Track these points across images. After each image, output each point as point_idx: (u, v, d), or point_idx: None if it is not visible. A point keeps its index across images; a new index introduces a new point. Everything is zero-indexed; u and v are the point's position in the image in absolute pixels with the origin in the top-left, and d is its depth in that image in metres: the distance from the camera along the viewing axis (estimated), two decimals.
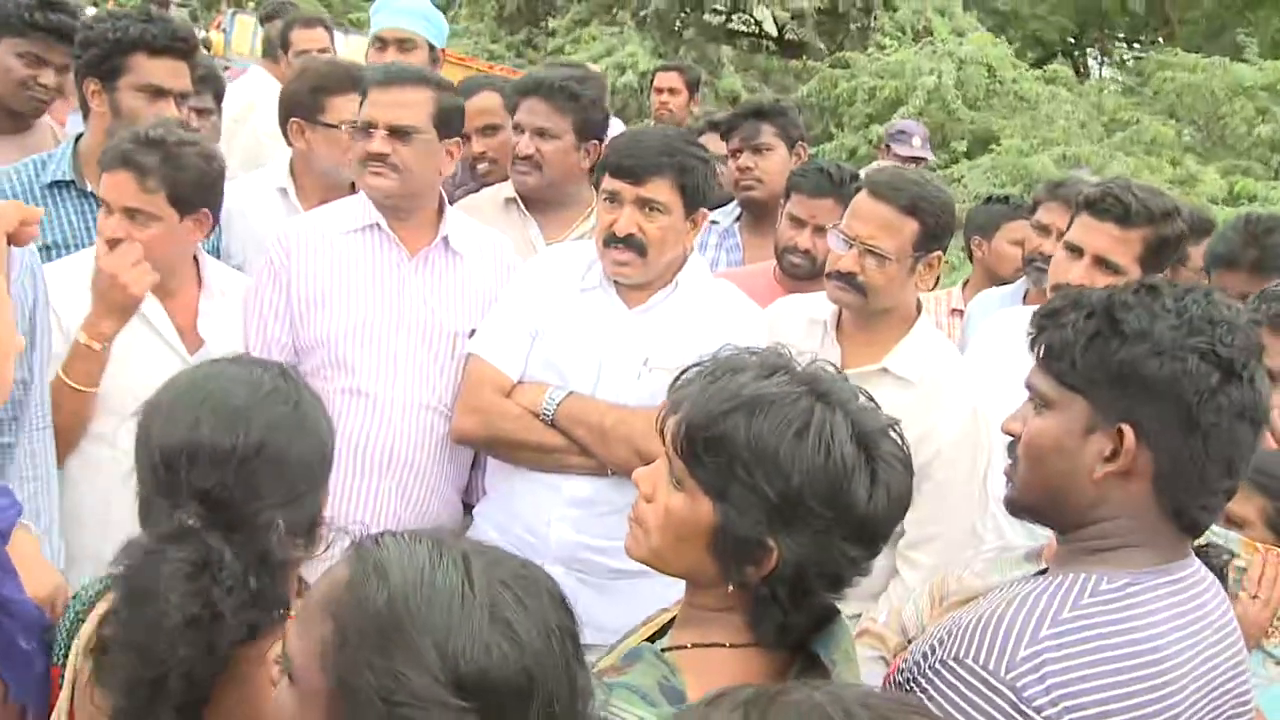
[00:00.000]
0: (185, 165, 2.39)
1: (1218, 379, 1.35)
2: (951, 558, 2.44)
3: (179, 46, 2.77)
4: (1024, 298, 3.46)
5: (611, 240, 2.42)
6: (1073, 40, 15.84)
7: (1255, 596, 1.92)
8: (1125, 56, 14.93)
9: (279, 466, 1.48)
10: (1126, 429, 1.37)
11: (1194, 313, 1.37)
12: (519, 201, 3.12)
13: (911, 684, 1.40)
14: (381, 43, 3.69)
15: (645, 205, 2.40)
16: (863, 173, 4.38)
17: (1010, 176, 9.34)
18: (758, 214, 3.59)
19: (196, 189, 2.43)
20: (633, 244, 2.41)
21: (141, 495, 1.52)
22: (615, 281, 2.50)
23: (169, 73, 2.75)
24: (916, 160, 5.35)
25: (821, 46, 12.63)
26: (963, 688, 1.32)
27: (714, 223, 3.70)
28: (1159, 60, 11.04)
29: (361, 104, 2.61)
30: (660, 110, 5.22)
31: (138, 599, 1.39)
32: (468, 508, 2.76)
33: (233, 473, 1.45)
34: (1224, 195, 8.59)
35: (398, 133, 2.55)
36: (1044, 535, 1.90)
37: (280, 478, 1.48)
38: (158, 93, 2.74)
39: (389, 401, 2.57)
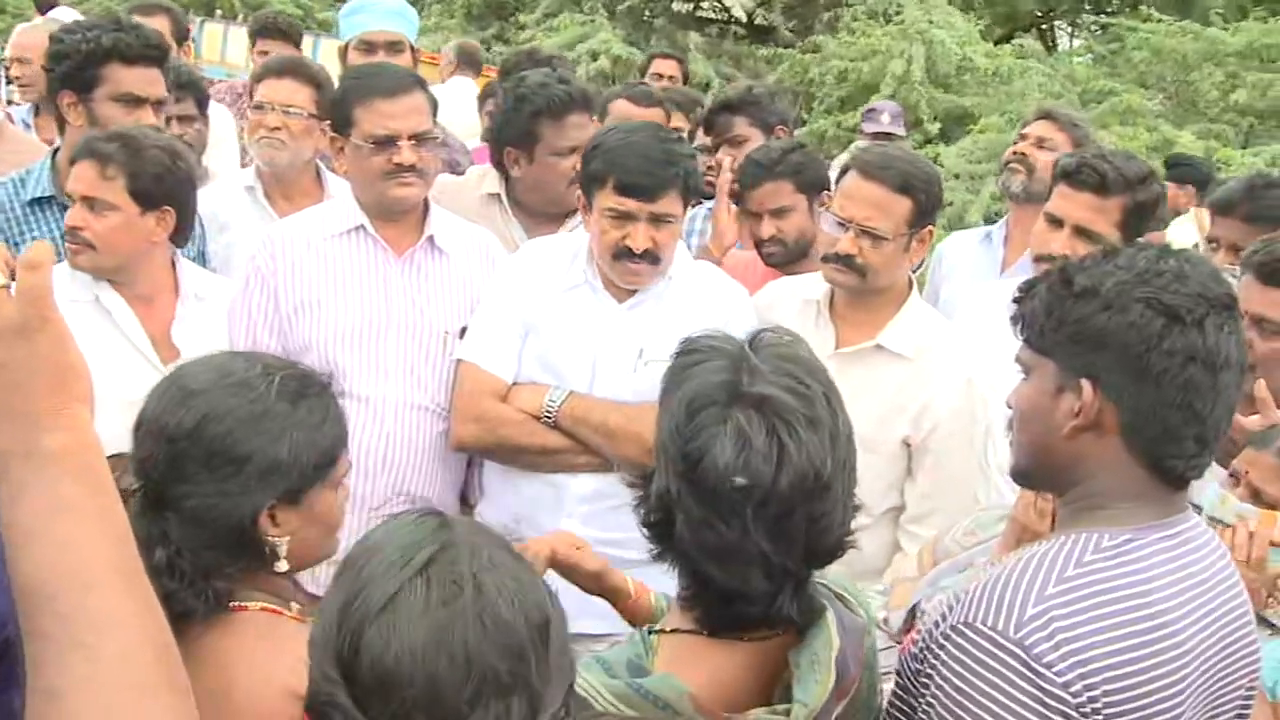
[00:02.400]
0: (146, 157, 2.42)
1: (1162, 325, 1.38)
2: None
3: (152, 54, 2.77)
4: (1005, 240, 3.47)
5: (625, 255, 2.40)
6: (1039, 14, 15.89)
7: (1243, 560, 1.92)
8: (1094, 26, 14.96)
9: (208, 456, 1.48)
10: (1085, 383, 1.41)
11: (1141, 266, 1.41)
12: (502, 198, 3.07)
13: (925, 653, 1.41)
14: (369, 46, 3.62)
15: (658, 220, 2.39)
16: (846, 155, 4.40)
17: (987, 154, 9.36)
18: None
19: (157, 182, 2.44)
20: (647, 256, 2.41)
21: None
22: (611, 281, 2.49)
23: (145, 81, 2.75)
24: (886, 135, 5.42)
25: (791, 32, 12.62)
26: (974, 650, 1.33)
27: (699, 202, 3.70)
28: (1130, 25, 11.07)
29: (352, 113, 2.55)
30: None
31: None
32: (467, 505, 2.75)
33: (162, 449, 1.48)
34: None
35: (419, 140, 2.54)
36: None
37: (208, 467, 1.48)
38: (135, 101, 2.73)
39: (381, 402, 2.55)
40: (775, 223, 3.00)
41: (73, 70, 2.74)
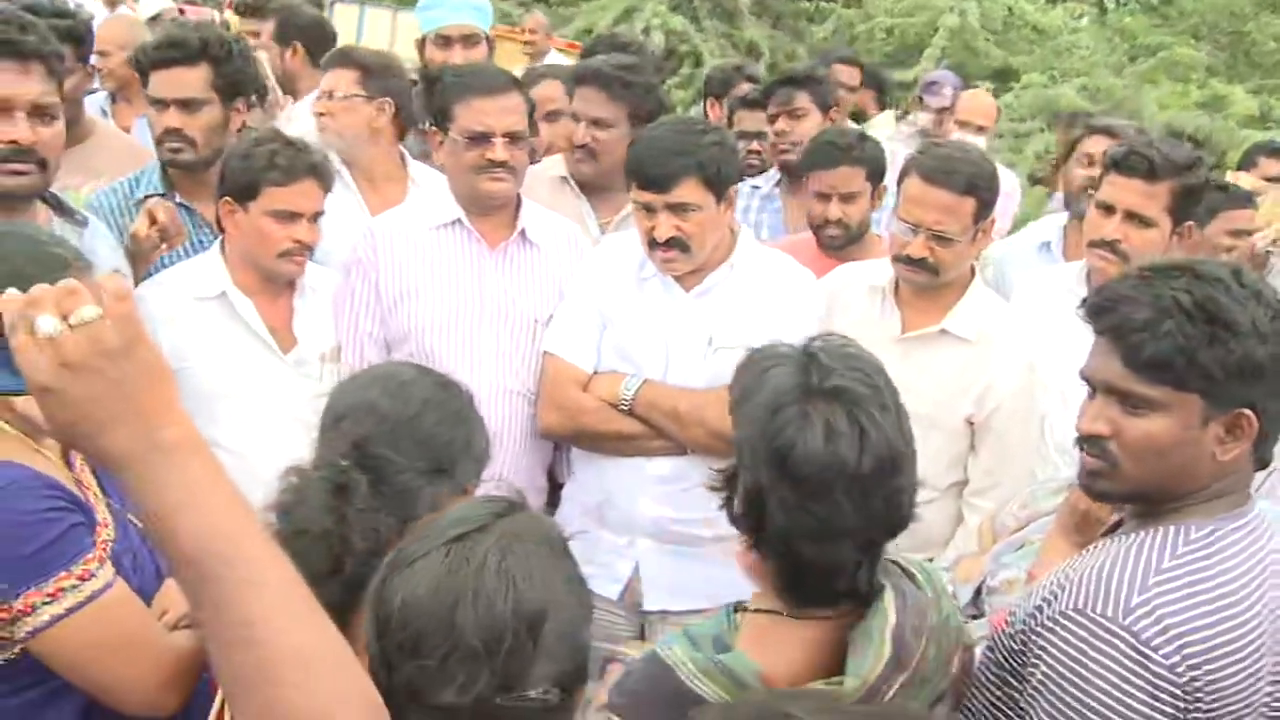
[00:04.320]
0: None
1: None
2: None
3: (167, 56, 2.88)
4: (1064, 252, 3.50)
5: (654, 244, 2.55)
6: None
7: None
8: None
9: (426, 440, 1.68)
10: (1248, 413, 1.51)
11: (1267, 295, 1.52)
12: (570, 180, 3.23)
13: (1029, 635, 1.54)
14: (445, 40, 3.78)
15: (678, 209, 2.52)
16: (895, 144, 4.47)
17: (1030, 110, 9.33)
18: (796, 177, 3.70)
19: None
20: (675, 244, 2.54)
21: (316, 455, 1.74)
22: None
23: (164, 83, 2.88)
24: (950, 110, 5.41)
25: None
26: (1085, 634, 1.48)
27: (755, 187, 3.84)
28: None
29: (451, 109, 2.72)
30: None
31: (284, 512, 1.60)
32: (556, 486, 2.93)
33: (387, 430, 1.68)
34: (1255, 117, 8.55)
35: (513, 138, 2.71)
36: None
37: (424, 449, 1.68)
38: (159, 103, 2.88)
39: (475, 387, 2.63)
40: (843, 207, 3.14)
41: (140, 86, 3.00)
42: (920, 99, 5.51)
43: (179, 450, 1.06)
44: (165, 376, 1.09)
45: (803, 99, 3.78)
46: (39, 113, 2.32)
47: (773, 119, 3.81)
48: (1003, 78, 10.24)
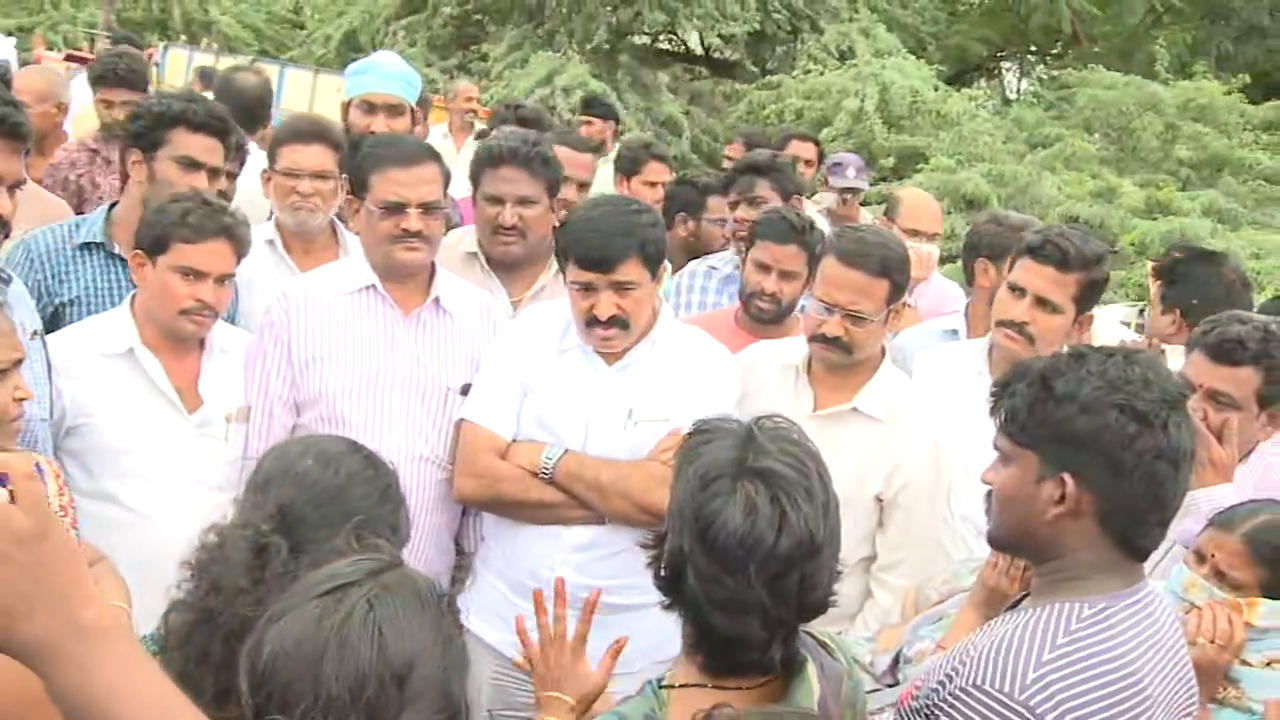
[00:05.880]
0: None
1: (1135, 429, 1.58)
2: (920, 578, 2.64)
3: (215, 124, 2.98)
4: (968, 334, 3.56)
5: (594, 322, 2.56)
6: (986, 54, 16.39)
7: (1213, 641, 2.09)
8: (1040, 74, 15.46)
9: (352, 512, 1.67)
10: (1068, 477, 1.61)
11: (1113, 374, 1.61)
12: (480, 256, 3.20)
13: (933, 709, 1.59)
14: (370, 107, 3.79)
15: (619, 287, 2.55)
16: (816, 215, 4.59)
17: (938, 193, 9.67)
18: None
19: None
20: (615, 323, 2.56)
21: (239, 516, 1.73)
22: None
23: (205, 148, 2.95)
24: (853, 190, 5.56)
25: (753, 69, 12.91)
26: (983, 710, 1.53)
27: (712, 268, 3.89)
28: (1078, 77, 11.50)
29: (368, 179, 2.72)
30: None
31: (202, 570, 1.60)
32: (461, 551, 2.89)
33: (313, 499, 1.69)
34: (1142, 208, 9.00)
35: (427, 209, 2.70)
36: None
37: (348, 519, 1.65)
38: (193, 165, 2.92)
39: (384, 451, 2.62)
40: (780, 283, 3.20)
41: (143, 130, 2.96)
42: (825, 180, 5.65)
43: (102, 631, 1.03)
44: (77, 558, 1.06)
45: (764, 187, 3.83)
46: (17, 185, 2.36)
47: (734, 205, 3.86)
48: (911, 160, 10.63)
